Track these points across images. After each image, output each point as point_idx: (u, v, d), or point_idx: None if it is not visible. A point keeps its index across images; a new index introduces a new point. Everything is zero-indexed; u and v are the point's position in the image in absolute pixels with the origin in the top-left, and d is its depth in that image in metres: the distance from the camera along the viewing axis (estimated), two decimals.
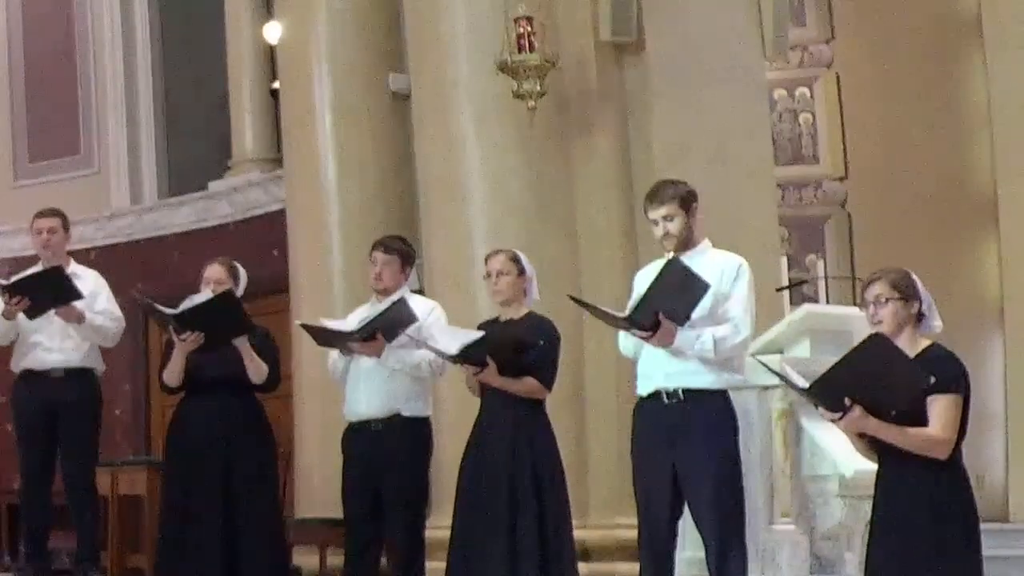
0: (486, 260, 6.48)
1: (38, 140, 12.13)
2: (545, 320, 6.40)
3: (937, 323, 4.69)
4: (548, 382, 6.33)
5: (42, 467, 7.49)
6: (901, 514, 4.51)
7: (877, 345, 4.42)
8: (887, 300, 4.61)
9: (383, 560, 6.80)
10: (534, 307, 6.45)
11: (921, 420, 4.46)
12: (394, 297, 6.67)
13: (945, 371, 4.48)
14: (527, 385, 6.26)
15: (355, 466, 6.69)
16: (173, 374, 6.73)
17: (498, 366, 6.17)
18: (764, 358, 5.01)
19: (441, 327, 6.59)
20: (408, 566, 6.65)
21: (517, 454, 6.22)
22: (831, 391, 4.48)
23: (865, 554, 4.65)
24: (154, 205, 11.70)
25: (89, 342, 7.48)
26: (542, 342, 6.26)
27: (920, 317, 4.64)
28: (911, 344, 4.60)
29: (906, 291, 4.63)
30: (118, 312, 7.58)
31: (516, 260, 6.42)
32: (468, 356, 6.17)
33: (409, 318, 6.48)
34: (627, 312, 5.49)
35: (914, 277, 4.69)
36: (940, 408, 4.45)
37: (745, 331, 5.54)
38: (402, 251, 6.79)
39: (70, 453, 7.45)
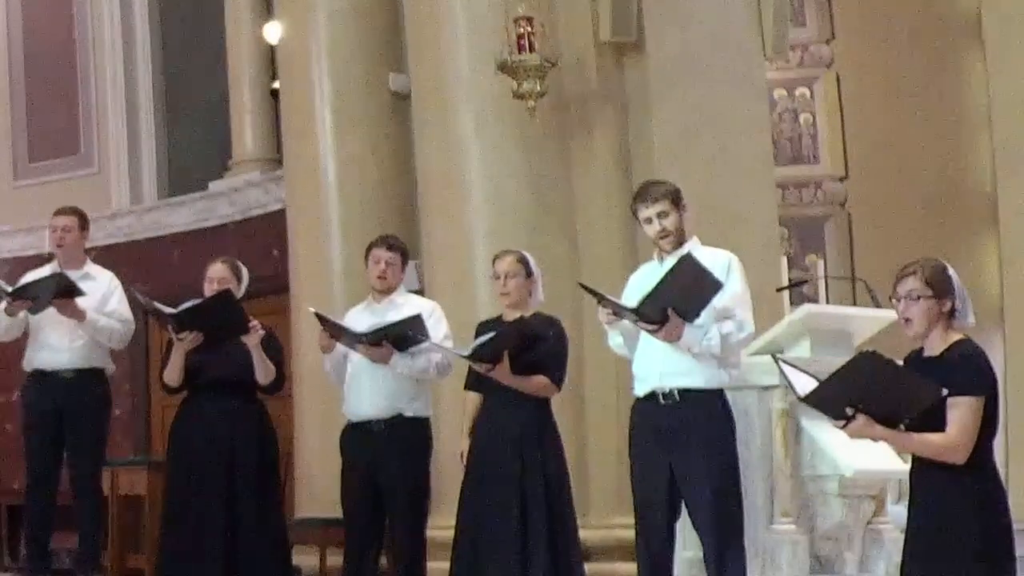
0: (494, 261, 6.48)
1: (38, 140, 12.13)
2: (553, 319, 6.41)
3: (971, 319, 4.51)
4: (558, 380, 6.33)
5: (47, 467, 7.49)
6: (927, 516, 4.44)
7: (869, 362, 4.29)
8: (919, 297, 4.43)
9: (384, 560, 6.79)
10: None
11: (943, 422, 4.34)
12: (395, 298, 6.69)
13: (965, 372, 4.37)
14: (537, 383, 6.26)
15: (356, 466, 6.68)
16: (173, 374, 6.74)
17: (509, 363, 6.16)
18: (781, 358, 4.99)
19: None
20: (410, 567, 6.65)
21: (527, 454, 6.23)
22: (830, 402, 4.40)
23: (901, 552, 4.57)
24: (154, 205, 11.70)
25: (98, 342, 7.49)
26: (551, 332, 6.26)
27: (953, 312, 4.47)
28: (941, 341, 4.46)
29: (940, 288, 4.45)
30: (128, 314, 7.57)
31: (524, 262, 6.42)
32: (481, 354, 6.16)
33: (421, 335, 6.44)
34: (636, 304, 5.49)
35: (950, 271, 4.51)
36: (956, 412, 4.33)
37: (749, 327, 5.55)
38: (403, 249, 6.81)
39: (78, 454, 7.45)
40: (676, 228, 5.61)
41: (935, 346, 4.49)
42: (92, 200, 11.36)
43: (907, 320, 4.49)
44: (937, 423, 4.37)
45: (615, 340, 5.78)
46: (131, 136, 11.81)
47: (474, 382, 6.44)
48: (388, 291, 6.72)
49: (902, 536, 4.60)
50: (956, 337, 4.49)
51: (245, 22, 10.85)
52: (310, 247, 8.95)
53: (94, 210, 11.21)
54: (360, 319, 6.70)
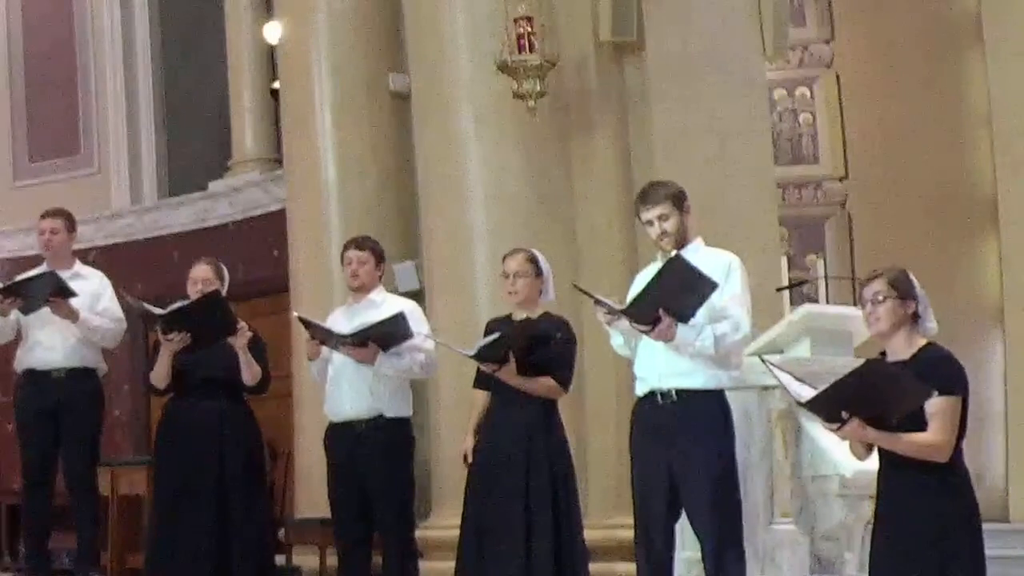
0: (503, 260, 6.47)
1: (38, 140, 12.14)
2: (562, 320, 6.40)
3: (932, 325, 4.67)
4: (566, 382, 6.32)
5: (43, 467, 7.50)
6: (902, 515, 4.50)
7: (873, 370, 4.40)
8: (884, 298, 4.59)
9: (381, 559, 6.79)
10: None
11: (922, 422, 4.44)
12: (373, 297, 6.71)
13: (942, 373, 4.48)
14: (544, 385, 6.26)
15: (341, 467, 6.70)
16: (159, 375, 6.76)
17: (516, 364, 6.16)
18: (769, 360, 5.00)
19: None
20: (401, 565, 6.65)
21: (533, 450, 6.22)
22: (829, 406, 4.46)
23: (869, 553, 4.64)
24: (154, 205, 11.71)
25: (91, 342, 7.49)
26: (559, 334, 6.26)
27: (916, 318, 4.63)
28: (907, 344, 4.60)
29: (903, 290, 4.61)
30: (119, 313, 7.58)
31: (534, 261, 6.41)
32: (486, 354, 6.16)
33: (405, 333, 6.47)
34: (626, 305, 5.50)
35: (912, 277, 4.68)
36: (938, 412, 4.44)
37: (745, 328, 5.54)
38: (375, 249, 6.82)
39: (72, 453, 7.46)
40: (677, 230, 5.60)
41: (900, 350, 4.60)
42: (92, 200, 11.41)
43: (875, 320, 4.62)
44: (911, 424, 4.43)
45: (616, 341, 5.78)
46: (131, 136, 11.81)
47: (482, 381, 6.44)
48: (363, 290, 6.74)
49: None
50: (923, 342, 4.62)
51: (245, 22, 10.86)
52: (310, 247, 8.95)
53: (94, 210, 11.31)
54: (341, 321, 6.73)
